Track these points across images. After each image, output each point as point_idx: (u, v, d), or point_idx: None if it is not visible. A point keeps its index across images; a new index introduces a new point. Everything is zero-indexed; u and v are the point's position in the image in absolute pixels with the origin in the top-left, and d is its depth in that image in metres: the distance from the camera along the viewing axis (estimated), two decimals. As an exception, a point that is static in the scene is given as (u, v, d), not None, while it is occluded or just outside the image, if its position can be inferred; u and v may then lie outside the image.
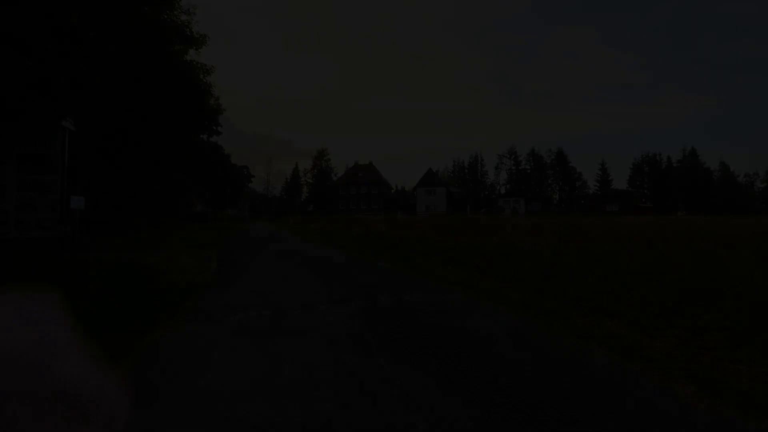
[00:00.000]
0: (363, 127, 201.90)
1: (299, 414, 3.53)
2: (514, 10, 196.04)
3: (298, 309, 7.17)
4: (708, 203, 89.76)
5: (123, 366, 4.38)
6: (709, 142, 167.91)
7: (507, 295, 7.98)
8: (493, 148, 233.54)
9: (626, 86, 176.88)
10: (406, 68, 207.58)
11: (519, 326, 6.20)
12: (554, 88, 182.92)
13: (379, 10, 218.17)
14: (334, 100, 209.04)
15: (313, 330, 5.99)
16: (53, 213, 11.99)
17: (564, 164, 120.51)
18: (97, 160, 19.07)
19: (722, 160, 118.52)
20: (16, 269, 8.93)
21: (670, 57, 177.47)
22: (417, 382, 4.15)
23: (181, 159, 26.69)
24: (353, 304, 7.42)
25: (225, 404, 3.72)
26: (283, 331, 6.05)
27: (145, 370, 4.45)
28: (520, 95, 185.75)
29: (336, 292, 8.66)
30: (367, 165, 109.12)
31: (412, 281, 9.95)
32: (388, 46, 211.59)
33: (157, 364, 4.70)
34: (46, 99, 9.68)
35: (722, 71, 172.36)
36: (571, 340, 5.47)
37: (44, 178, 12.01)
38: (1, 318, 0.45)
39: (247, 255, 16.54)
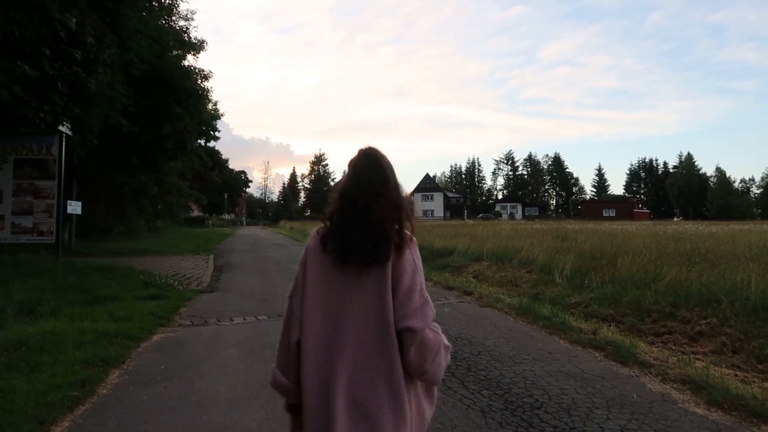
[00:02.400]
0: (360, 132, 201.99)
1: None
2: (511, 16, 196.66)
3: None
4: (704, 209, 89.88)
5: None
6: (706, 148, 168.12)
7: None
8: (491, 153, 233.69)
9: (623, 92, 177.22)
10: (404, 73, 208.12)
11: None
12: (551, 93, 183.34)
13: (375, 16, 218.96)
14: (332, 105, 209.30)
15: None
16: (50, 218, 11.94)
17: (561, 169, 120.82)
18: (94, 165, 19.02)
19: (718, 165, 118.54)
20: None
21: (667, 63, 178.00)
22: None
23: (179, 164, 26.63)
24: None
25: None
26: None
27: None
28: (518, 100, 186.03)
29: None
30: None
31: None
32: (387, 50, 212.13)
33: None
34: (43, 103, 9.67)
35: (718, 77, 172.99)
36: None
37: (41, 183, 11.97)
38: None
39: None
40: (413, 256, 1.66)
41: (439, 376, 1.67)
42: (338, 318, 1.61)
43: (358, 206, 1.66)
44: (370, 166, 1.73)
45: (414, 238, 1.72)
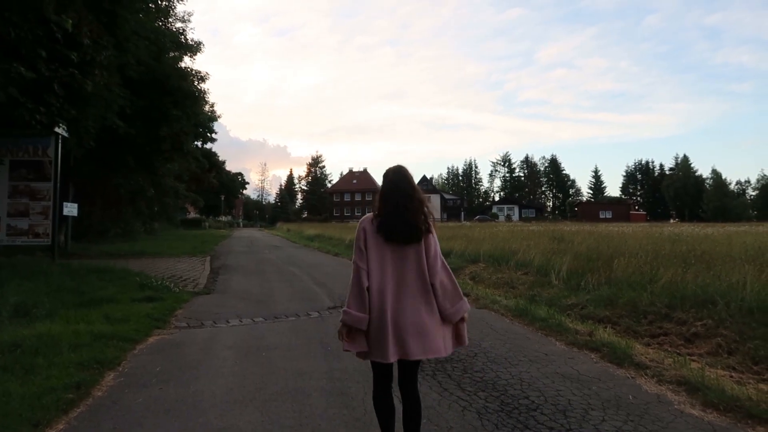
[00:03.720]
0: (357, 134, 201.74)
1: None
2: (508, 18, 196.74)
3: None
4: (700, 210, 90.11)
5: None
6: (702, 150, 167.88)
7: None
8: (488, 155, 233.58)
9: (619, 94, 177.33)
10: (401, 74, 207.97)
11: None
12: (548, 95, 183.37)
13: (373, 18, 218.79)
14: (329, 107, 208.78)
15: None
16: (46, 220, 11.91)
17: (557, 171, 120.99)
18: (90, 167, 18.97)
19: (714, 167, 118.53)
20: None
21: (663, 65, 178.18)
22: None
23: (176, 166, 26.60)
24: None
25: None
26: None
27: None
28: (515, 102, 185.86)
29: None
30: (361, 172, 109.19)
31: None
32: (384, 52, 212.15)
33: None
34: (39, 105, 9.64)
35: (715, 79, 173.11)
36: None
37: (37, 185, 11.94)
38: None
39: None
40: (434, 235, 2.79)
41: (455, 317, 2.77)
42: (391, 275, 2.69)
43: (399, 206, 2.71)
44: (402, 178, 2.82)
45: (433, 224, 2.83)
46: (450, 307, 2.73)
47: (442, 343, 2.72)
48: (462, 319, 2.82)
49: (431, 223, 2.79)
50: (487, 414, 3.70)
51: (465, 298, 2.81)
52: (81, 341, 5.27)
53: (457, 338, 2.84)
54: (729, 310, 5.79)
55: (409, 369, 2.80)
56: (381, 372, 2.80)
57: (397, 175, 2.83)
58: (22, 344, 4.98)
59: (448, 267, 2.80)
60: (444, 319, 2.73)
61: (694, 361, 5.03)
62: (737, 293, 6.07)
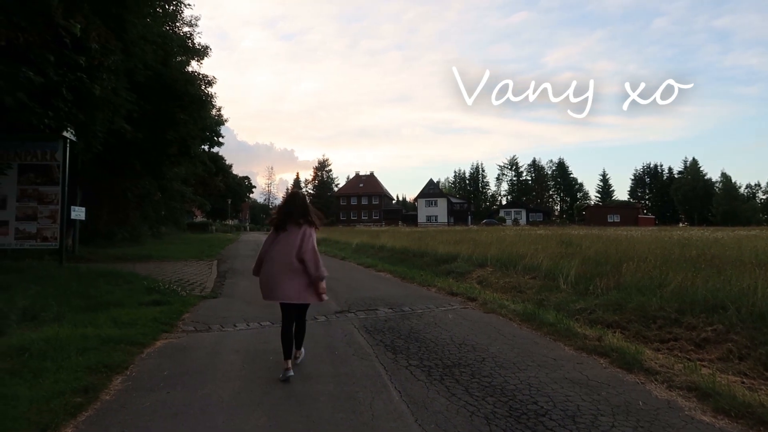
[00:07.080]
0: (363, 138, 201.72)
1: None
2: (513, 22, 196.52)
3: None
4: (710, 214, 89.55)
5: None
6: (711, 153, 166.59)
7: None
8: (495, 158, 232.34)
9: (627, 97, 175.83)
10: (407, 79, 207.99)
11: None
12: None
13: (379, 22, 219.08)
14: (336, 111, 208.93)
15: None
16: (53, 223, 11.97)
17: (565, 175, 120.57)
18: (98, 171, 19.08)
19: (724, 171, 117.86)
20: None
21: (671, 69, 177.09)
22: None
23: (182, 170, 26.72)
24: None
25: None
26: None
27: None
28: (521, 106, 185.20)
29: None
30: (368, 176, 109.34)
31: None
32: (390, 57, 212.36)
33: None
34: (48, 109, 9.69)
35: (724, 82, 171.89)
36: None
37: (45, 189, 12.01)
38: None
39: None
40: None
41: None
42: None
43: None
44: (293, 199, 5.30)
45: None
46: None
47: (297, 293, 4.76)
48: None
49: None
50: (496, 419, 3.67)
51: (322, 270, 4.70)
52: (89, 345, 5.28)
53: (317, 295, 4.75)
54: (740, 315, 5.73)
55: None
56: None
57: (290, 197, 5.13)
58: (30, 348, 4.99)
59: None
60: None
61: (704, 366, 4.97)
62: (748, 298, 6.01)
